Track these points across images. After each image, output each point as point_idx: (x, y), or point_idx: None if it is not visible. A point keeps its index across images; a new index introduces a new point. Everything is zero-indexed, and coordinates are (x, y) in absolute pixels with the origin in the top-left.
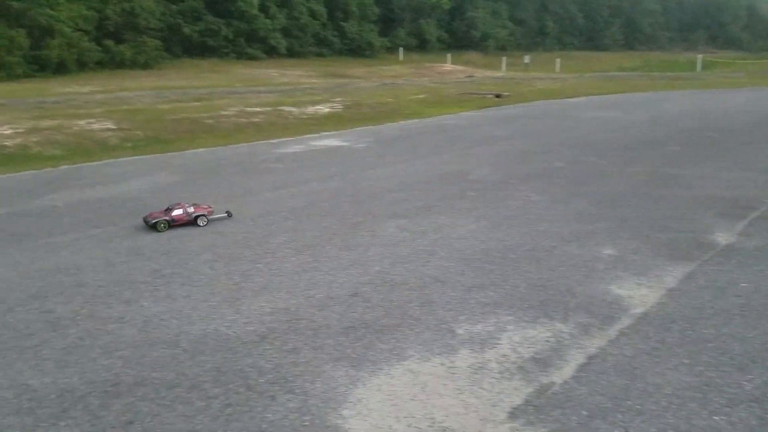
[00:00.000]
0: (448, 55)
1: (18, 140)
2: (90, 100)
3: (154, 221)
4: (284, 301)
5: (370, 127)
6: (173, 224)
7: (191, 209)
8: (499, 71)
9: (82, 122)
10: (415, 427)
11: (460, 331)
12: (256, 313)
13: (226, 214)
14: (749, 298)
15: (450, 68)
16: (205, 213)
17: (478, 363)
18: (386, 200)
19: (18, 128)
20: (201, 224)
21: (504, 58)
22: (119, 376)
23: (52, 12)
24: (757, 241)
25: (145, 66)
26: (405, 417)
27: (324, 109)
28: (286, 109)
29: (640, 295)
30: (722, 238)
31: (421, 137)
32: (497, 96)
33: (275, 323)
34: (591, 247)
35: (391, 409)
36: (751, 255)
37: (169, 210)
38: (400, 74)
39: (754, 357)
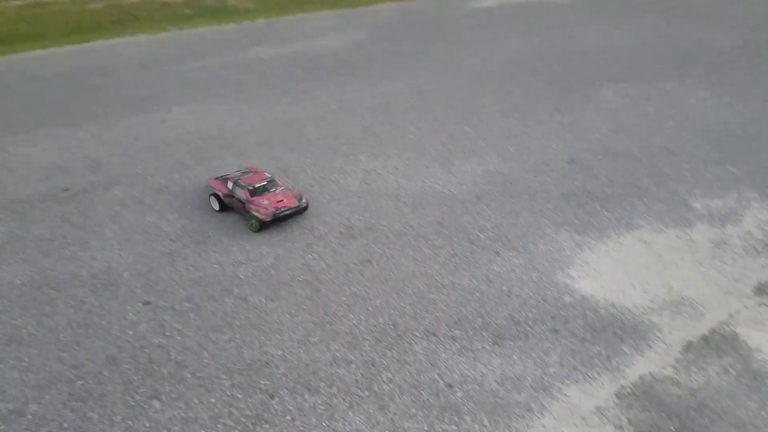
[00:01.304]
0: None
1: None
2: None
3: (284, 210)
4: (495, 164)
5: None
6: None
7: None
8: None
9: None
10: (652, 293)
11: (696, 205)
12: (468, 174)
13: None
14: None
15: None
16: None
17: (719, 238)
18: (600, 62)
19: None
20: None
21: None
22: (350, 221)
23: None
24: None
25: None
26: (639, 283)
27: None
28: None
29: None
30: None
31: None
32: None
33: (489, 185)
34: None
35: (623, 275)
36: None
37: (274, 192)
38: None
39: None
